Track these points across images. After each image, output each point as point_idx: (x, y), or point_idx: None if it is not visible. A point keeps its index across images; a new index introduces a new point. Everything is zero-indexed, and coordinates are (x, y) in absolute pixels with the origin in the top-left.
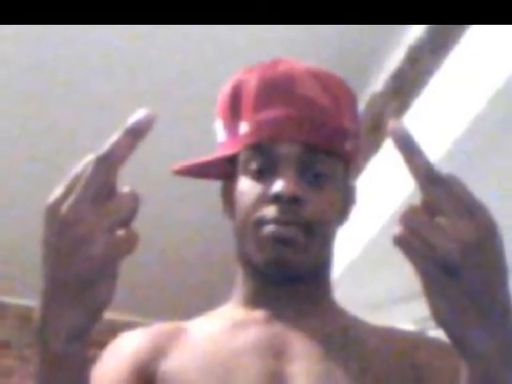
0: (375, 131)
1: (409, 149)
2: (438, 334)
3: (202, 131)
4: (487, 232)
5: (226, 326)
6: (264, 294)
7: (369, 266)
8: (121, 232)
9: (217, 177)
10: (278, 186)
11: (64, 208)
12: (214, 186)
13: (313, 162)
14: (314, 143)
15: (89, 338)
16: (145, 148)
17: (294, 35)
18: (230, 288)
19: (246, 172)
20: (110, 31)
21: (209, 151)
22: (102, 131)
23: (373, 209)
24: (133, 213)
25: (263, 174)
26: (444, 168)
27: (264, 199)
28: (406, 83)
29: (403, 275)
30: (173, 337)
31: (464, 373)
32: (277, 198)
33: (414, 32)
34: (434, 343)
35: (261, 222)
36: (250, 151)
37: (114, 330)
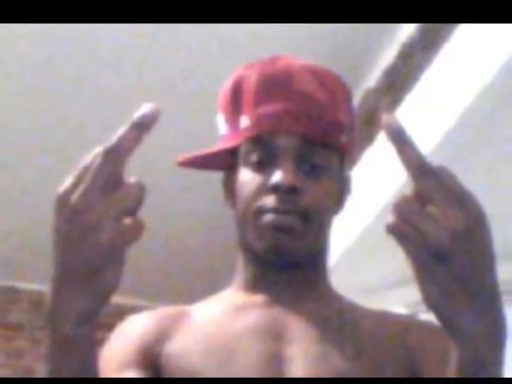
0: (369, 125)
1: (401, 141)
2: (428, 317)
3: (205, 124)
4: (476, 220)
5: (227, 310)
6: (264, 279)
7: (363, 253)
8: (127, 220)
9: (219, 168)
10: (277, 176)
11: (74, 197)
12: (216, 177)
13: (310, 153)
14: (311, 136)
15: (97, 321)
16: (150, 140)
17: (293, 33)
18: (232, 274)
19: (247, 163)
20: (117, 29)
21: (211, 144)
22: (110, 124)
23: (367, 198)
24: (139, 202)
25: (263, 166)
26: (435, 160)
27: (263, 189)
28: (399, 79)
29: (396, 261)
30: (177, 320)
31: (454, 354)
32: (276, 188)
33: (406, 30)
34: (425, 326)
35: (260, 211)
36: (250, 144)
37: (121, 313)
